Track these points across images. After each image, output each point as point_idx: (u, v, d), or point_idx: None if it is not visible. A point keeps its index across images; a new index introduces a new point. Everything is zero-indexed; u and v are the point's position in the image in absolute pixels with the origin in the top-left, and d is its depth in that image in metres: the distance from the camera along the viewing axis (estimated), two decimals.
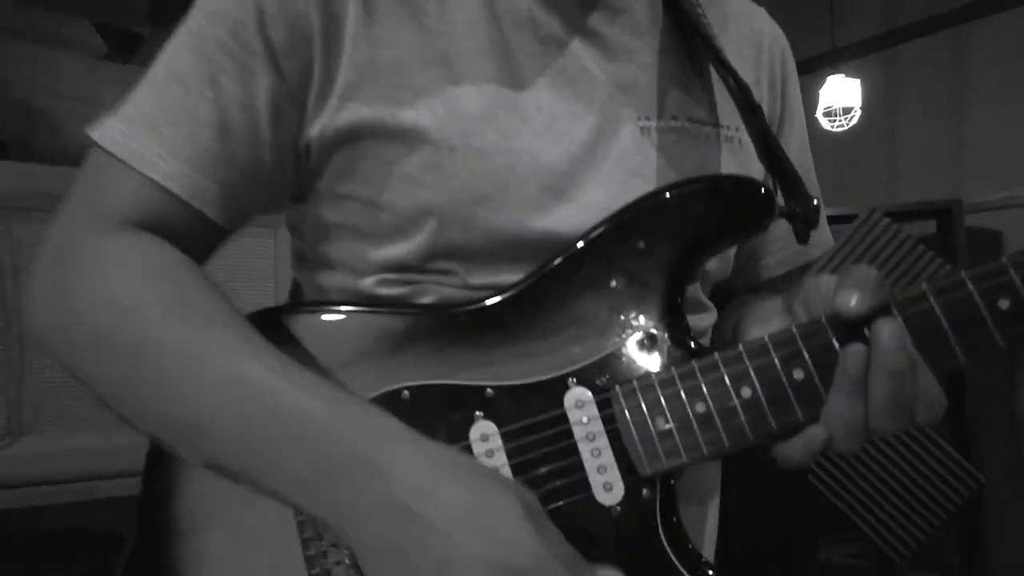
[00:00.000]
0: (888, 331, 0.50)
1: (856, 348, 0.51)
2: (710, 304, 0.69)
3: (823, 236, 0.79)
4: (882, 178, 3.47)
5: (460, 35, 0.60)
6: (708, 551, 0.68)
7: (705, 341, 0.68)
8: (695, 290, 0.66)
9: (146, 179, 0.56)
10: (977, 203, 3.14)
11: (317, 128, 0.59)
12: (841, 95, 3.04)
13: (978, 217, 3.15)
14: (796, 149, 0.76)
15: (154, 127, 0.57)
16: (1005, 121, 3.15)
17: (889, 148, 3.47)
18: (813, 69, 3.44)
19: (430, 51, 0.59)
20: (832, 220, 3.10)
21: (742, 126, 0.68)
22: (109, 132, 0.57)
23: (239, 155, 0.58)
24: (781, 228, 0.71)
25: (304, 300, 0.68)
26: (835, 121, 2.98)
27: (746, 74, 0.68)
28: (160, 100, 0.58)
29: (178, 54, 0.58)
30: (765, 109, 0.70)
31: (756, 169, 0.69)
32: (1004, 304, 0.51)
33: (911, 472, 2.81)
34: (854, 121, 3.02)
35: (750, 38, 0.73)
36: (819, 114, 3.06)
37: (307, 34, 0.57)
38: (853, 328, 0.52)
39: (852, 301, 0.51)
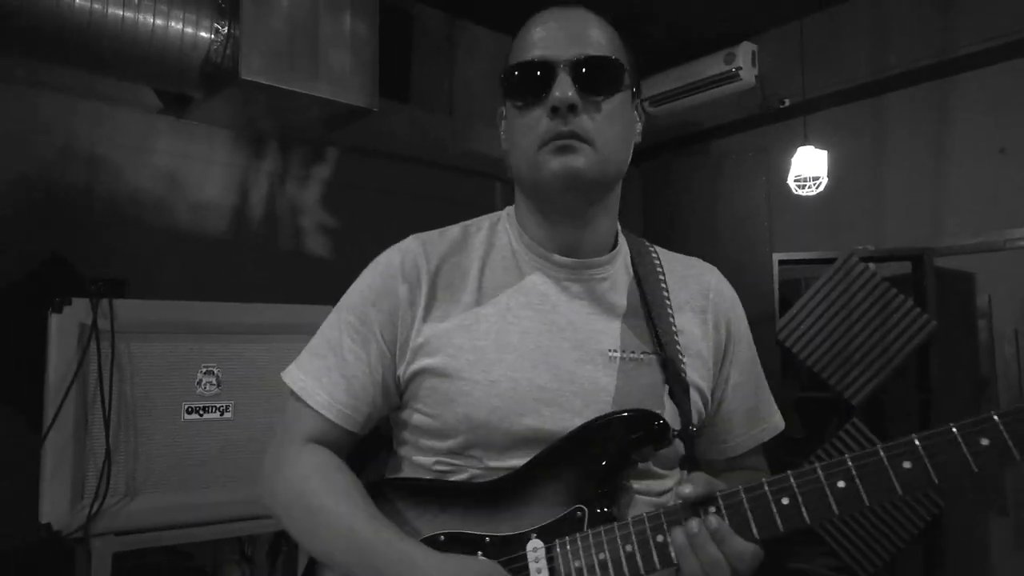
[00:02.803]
0: (697, 525, 0.82)
1: (677, 530, 0.83)
2: (666, 472, 0.99)
3: (773, 421, 1.10)
4: (865, 223, 3.71)
5: (487, 305, 0.97)
6: None
7: (667, 497, 0.98)
8: (647, 466, 0.96)
9: (314, 411, 0.96)
10: (951, 247, 3.39)
11: (403, 369, 0.97)
12: (810, 165, 3.31)
13: (953, 260, 3.39)
14: (744, 363, 1.07)
15: (318, 377, 0.97)
16: (978, 170, 3.38)
17: (874, 196, 3.71)
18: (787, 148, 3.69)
19: (465, 322, 0.96)
20: (814, 262, 3.38)
21: (679, 355, 0.98)
22: (292, 376, 0.99)
23: (365, 391, 0.97)
24: (740, 415, 1.06)
25: (394, 477, 1.02)
26: (805, 186, 3.24)
27: (690, 316, 1.02)
28: (320, 359, 0.98)
29: (329, 329, 1.00)
30: (711, 340, 1.03)
31: (694, 378, 1.00)
32: (785, 500, 0.80)
33: None
34: (822, 187, 3.28)
35: (699, 291, 1.06)
36: (790, 181, 3.32)
37: (395, 319, 0.97)
38: (694, 510, 0.84)
39: (686, 490, 0.83)
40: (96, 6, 2.42)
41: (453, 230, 1.05)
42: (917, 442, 0.76)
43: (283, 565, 2.63)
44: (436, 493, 0.94)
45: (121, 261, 2.77)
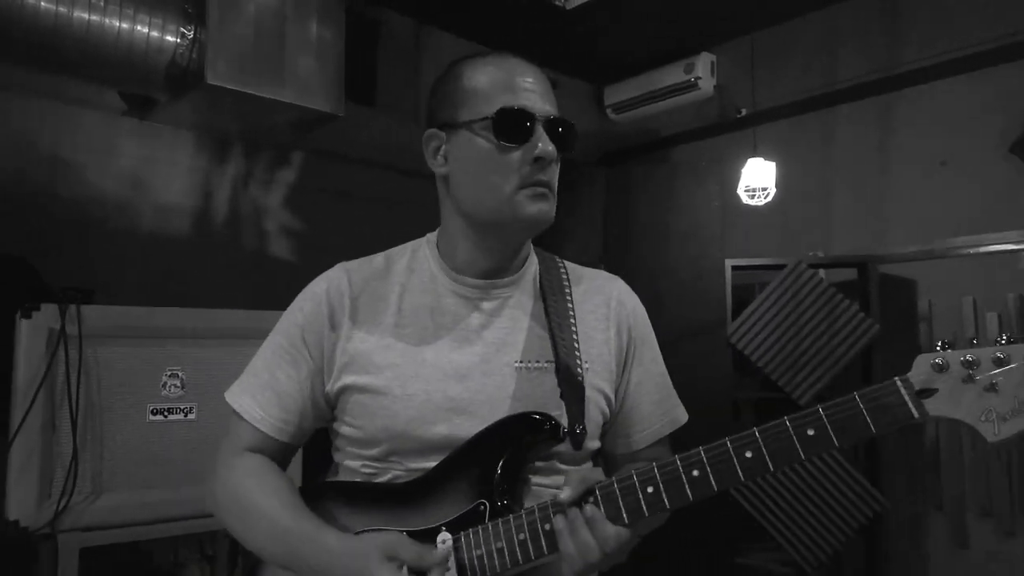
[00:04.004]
0: (571, 512, 0.93)
1: (558, 517, 0.94)
2: (568, 468, 1.08)
3: (674, 415, 1.19)
4: (814, 231, 3.85)
5: (405, 326, 1.06)
6: None
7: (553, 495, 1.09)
8: (549, 464, 1.06)
9: (251, 425, 1.08)
10: (894, 254, 3.54)
11: (330, 386, 1.08)
12: (759, 176, 3.44)
13: (896, 267, 3.55)
14: (646, 364, 1.18)
15: (253, 394, 1.09)
16: (920, 182, 3.54)
17: (822, 205, 3.86)
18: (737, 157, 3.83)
19: (384, 342, 1.05)
20: (765, 268, 3.50)
21: (577, 362, 1.08)
22: (233, 395, 1.10)
23: (297, 405, 1.08)
24: (643, 411, 1.16)
25: (330, 480, 1.13)
26: (754, 196, 3.37)
27: (594, 323, 1.12)
28: (256, 378, 1.10)
29: (265, 351, 1.11)
30: (612, 348, 1.13)
31: (595, 382, 1.10)
32: (650, 489, 0.92)
33: (824, 494, 3.20)
34: (770, 198, 3.41)
35: (603, 301, 1.17)
36: (740, 191, 3.45)
37: (322, 340, 1.08)
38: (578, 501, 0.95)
39: (563, 494, 0.94)
40: (61, 9, 2.44)
41: (377, 258, 1.16)
42: (758, 434, 0.89)
43: (244, 562, 2.68)
44: (364, 493, 1.06)
45: (84, 263, 2.78)
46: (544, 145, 1.01)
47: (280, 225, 3.55)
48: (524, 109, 1.02)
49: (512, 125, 1.01)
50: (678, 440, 1.18)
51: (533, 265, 1.16)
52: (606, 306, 1.16)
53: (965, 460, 3.30)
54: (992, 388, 0.78)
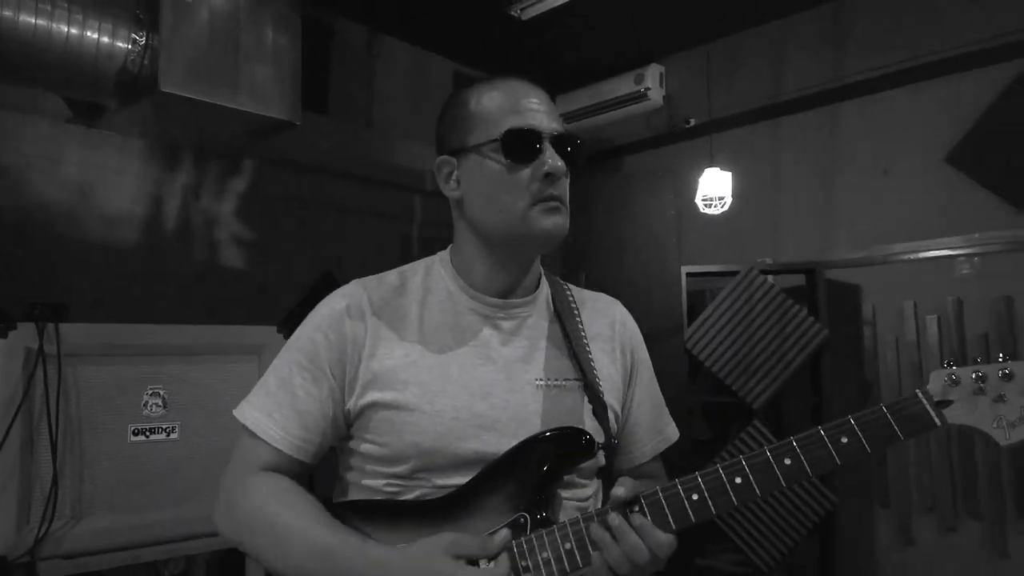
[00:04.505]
0: (617, 519, 0.96)
1: (612, 517, 0.97)
2: (587, 482, 1.12)
3: (668, 432, 1.24)
4: (764, 238, 3.96)
5: (427, 343, 1.06)
6: None
7: (592, 502, 1.12)
8: (571, 478, 1.08)
9: (269, 445, 1.04)
10: (839, 260, 3.66)
11: (351, 403, 1.07)
12: (715, 185, 3.53)
13: (842, 272, 3.67)
14: (645, 384, 1.23)
15: (270, 413, 1.06)
16: (863, 190, 3.67)
17: (772, 213, 3.97)
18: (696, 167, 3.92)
19: (409, 359, 1.04)
20: (719, 275, 3.58)
21: (593, 380, 1.12)
22: (245, 413, 1.07)
23: (316, 424, 1.06)
24: (643, 428, 1.21)
25: (346, 500, 1.10)
26: (711, 205, 3.45)
27: (602, 345, 1.16)
28: (271, 396, 1.07)
29: (280, 368, 1.08)
30: (618, 368, 1.17)
31: (609, 400, 1.13)
32: (695, 496, 0.97)
33: (779, 495, 3.28)
34: (727, 207, 3.50)
35: (608, 323, 1.22)
36: (698, 200, 3.53)
37: (344, 358, 1.06)
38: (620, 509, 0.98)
39: (619, 492, 0.96)
40: (6, 12, 2.35)
41: (391, 275, 1.16)
42: (795, 444, 0.95)
43: None
44: (388, 511, 1.04)
45: (27, 273, 2.68)
46: (553, 161, 1.05)
47: (232, 234, 3.48)
48: (531, 128, 1.06)
49: (521, 144, 1.05)
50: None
51: (545, 287, 1.20)
52: (611, 328, 1.22)
53: (910, 460, 3.42)
54: (1000, 399, 0.90)
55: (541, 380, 1.10)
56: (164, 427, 2.06)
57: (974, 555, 3.23)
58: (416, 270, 1.17)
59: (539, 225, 1.06)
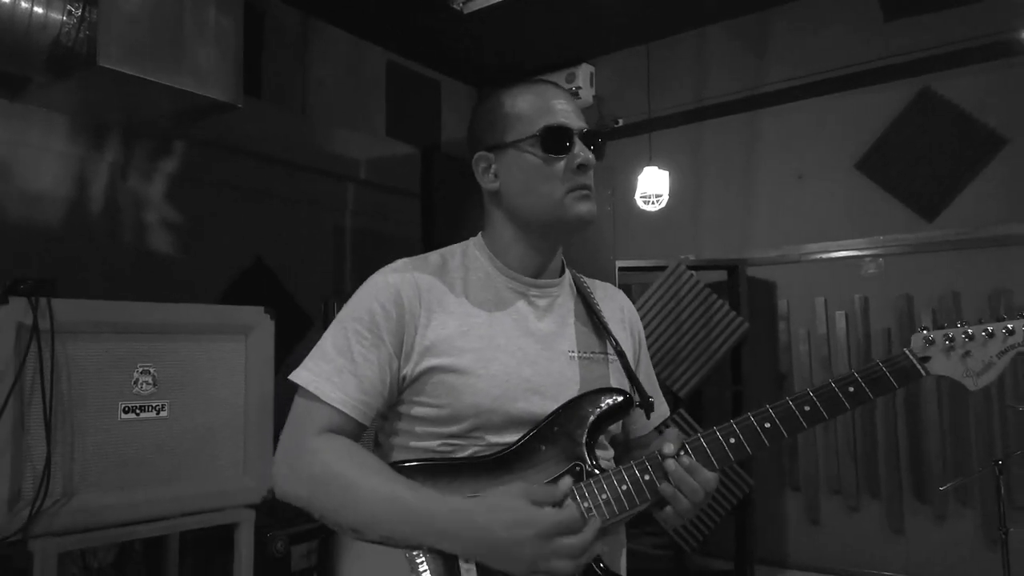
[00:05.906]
0: (674, 464, 1.08)
1: (669, 463, 1.09)
2: (608, 445, 1.23)
3: (662, 409, 1.35)
4: (691, 236, 4.16)
5: (475, 315, 1.16)
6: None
7: (609, 464, 1.21)
8: (600, 441, 1.19)
9: (330, 407, 1.10)
10: (758, 258, 3.89)
11: (409, 369, 1.14)
12: (654, 183, 3.69)
13: (760, 269, 3.90)
14: (645, 364, 1.36)
15: (329, 377, 1.11)
16: (780, 193, 3.90)
17: (698, 211, 4.16)
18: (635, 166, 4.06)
19: (462, 328, 1.14)
20: (649, 269, 3.72)
21: (614, 354, 1.24)
22: (303, 377, 1.12)
23: (374, 388, 1.12)
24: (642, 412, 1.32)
25: (407, 460, 1.15)
26: (650, 202, 3.61)
27: (616, 326, 1.28)
28: (330, 362, 1.13)
29: (335, 336, 1.14)
30: (629, 347, 1.29)
31: (624, 377, 1.24)
32: (732, 440, 1.11)
33: None
34: (663, 203, 3.66)
35: (617, 307, 1.35)
36: (637, 197, 3.67)
37: (402, 327, 1.14)
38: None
39: (666, 448, 1.08)
40: None
41: (433, 256, 1.25)
42: (812, 394, 1.11)
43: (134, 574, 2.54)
44: (448, 469, 1.12)
45: None
46: (584, 154, 1.17)
47: (160, 217, 3.37)
48: (564, 126, 1.18)
49: (555, 140, 1.17)
50: None
51: (567, 272, 1.33)
52: (620, 311, 1.35)
53: (819, 445, 3.68)
54: (967, 355, 1.11)
55: (574, 352, 1.21)
56: (154, 405, 2.04)
57: (874, 532, 3.51)
58: (453, 252, 1.27)
59: (574, 211, 1.17)
